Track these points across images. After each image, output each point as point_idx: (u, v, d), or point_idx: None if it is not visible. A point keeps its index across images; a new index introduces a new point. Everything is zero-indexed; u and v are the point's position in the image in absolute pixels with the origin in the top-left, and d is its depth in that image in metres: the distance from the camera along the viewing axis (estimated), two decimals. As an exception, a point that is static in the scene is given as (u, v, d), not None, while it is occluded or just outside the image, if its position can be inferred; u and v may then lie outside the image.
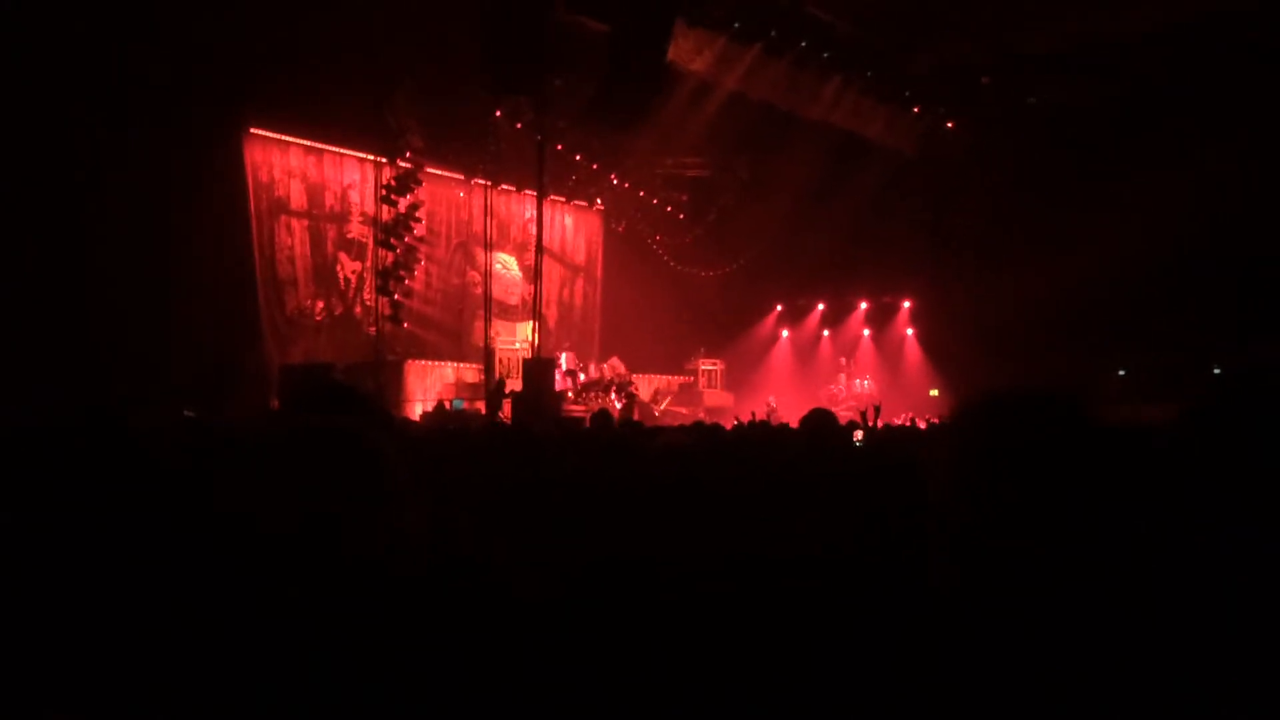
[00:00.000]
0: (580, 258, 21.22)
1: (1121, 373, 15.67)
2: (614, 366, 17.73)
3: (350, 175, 16.53)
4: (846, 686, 1.53)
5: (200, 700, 1.42)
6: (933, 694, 1.45)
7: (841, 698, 1.53)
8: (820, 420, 4.01)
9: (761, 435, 5.51)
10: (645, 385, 18.83)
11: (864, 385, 19.49)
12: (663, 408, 17.54)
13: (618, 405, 16.05)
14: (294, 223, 15.79)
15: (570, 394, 16.28)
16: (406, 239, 15.44)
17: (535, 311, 16.31)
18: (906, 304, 20.50)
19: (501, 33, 13.02)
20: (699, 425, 6.47)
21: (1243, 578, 1.53)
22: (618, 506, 3.03)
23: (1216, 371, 13.93)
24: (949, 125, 18.41)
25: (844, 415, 11.19)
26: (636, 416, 15.40)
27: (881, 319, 20.95)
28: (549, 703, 1.52)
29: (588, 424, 8.78)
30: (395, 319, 15.49)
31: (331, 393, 2.12)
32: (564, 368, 16.60)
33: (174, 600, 1.56)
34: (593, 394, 16.57)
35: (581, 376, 17.06)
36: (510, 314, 18.82)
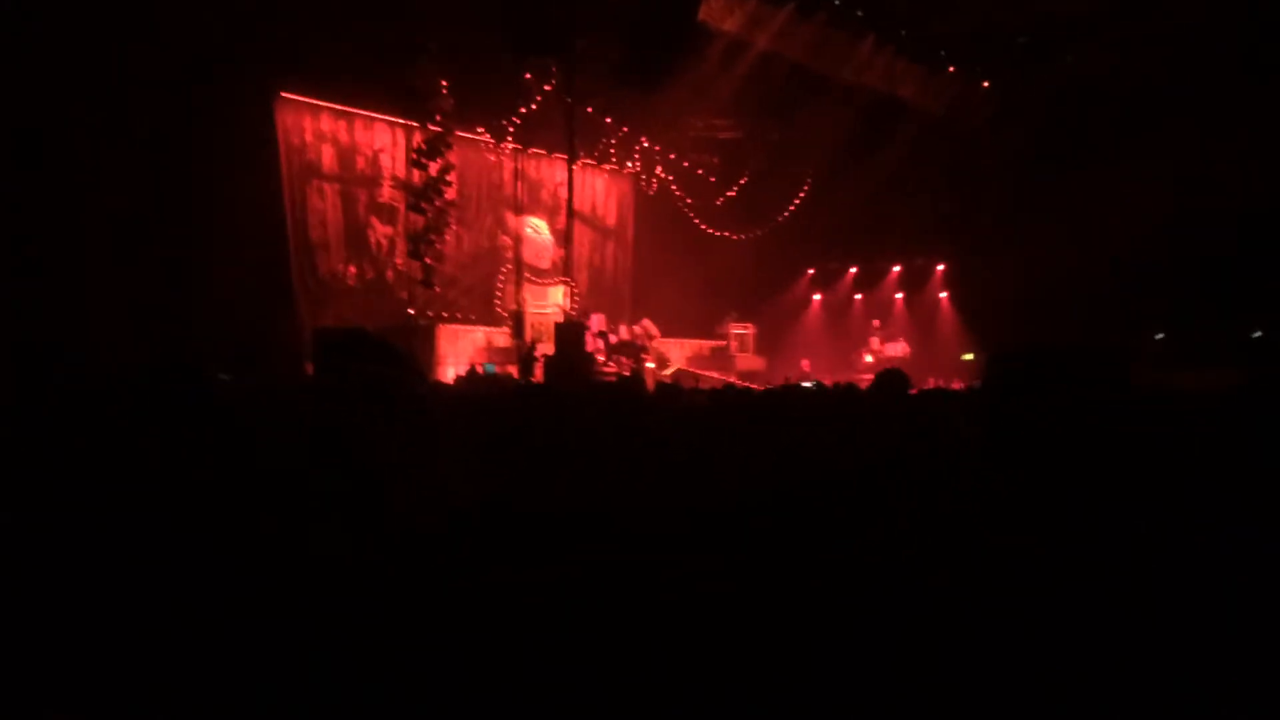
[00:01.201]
0: (611, 221, 21.15)
1: (1159, 337, 15.46)
2: (645, 328, 17.69)
3: (381, 139, 16.54)
4: (848, 684, 1.52)
5: (200, 700, 1.42)
6: (935, 690, 1.44)
7: (842, 695, 1.52)
8: (894, 380, 3.96)
9: (794, 401, 5.47)
10: (675, 350, 18.78)
11: (897, 348, 19.35)
12: (669, 372, 17.44)
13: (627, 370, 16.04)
14: (326, 186, 15.85)
15: (600, 356, 16.30)
16: (437, 203, 15.44)
17: (567, 271, 16.31)
18: (940, 267, 20.32)
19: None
20: (729, 389, 6.45)
21: (1243, 577, 1.51)
22: (626, 478, 3.01)
23: (1257, 335, 13.79)
24: (983, 86, 18.13)
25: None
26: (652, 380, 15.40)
27: (915, 282, 20.78)
28: (548, 701, 1.52)
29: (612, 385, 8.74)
30: (427, 283, 15.52)
31: (371, 351, 2.13)
32: (593, 329, 16.62)
33: (174, 595, 1.56)
34: (618, 357, 16.56)
35: (612, 338, 17.05)
36: (541, 277, 18.82)
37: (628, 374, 15.43)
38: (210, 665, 1.44)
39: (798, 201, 20.09)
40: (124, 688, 1.46)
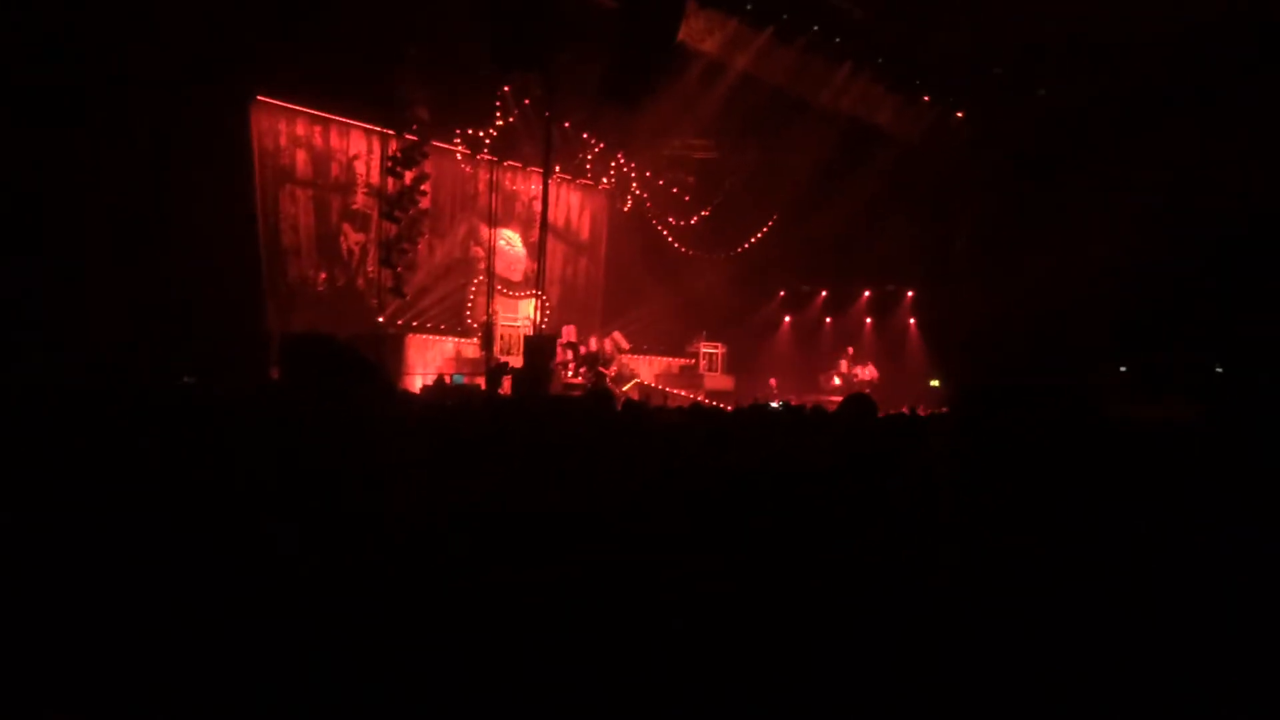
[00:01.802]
0: (585, 236, 21.15)
1: (1123, 369, 15.65)
2: (616, 340, 17.70)
3: (356, 146, 16.47)
4: (845, 684, 1.52)
5: (200, 700, 1.41)
6: (933, 692, 1.45)
7: (840, 695, 1.53)
8: (861, 407, 4.00)
9: (763, 420, 5.51)
10: (644, 367, 18.82)
11: (866, 371, 19.46)
12: (628, 387, 17.46)
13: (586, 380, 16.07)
14: (299, 192, 15.75)
15: (571, 366, 16.34)
16: (411, 212, 15.39)
17: (539, 285, 16.32)
18: (910, 293, 20.48)
19: (510, 8, 12.97)
20: (696, 407, 6.47)
21: (1243, 577, 1.54)
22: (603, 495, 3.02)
23: (1219, 370, 14.00)
24: (958, 115, 18.34)
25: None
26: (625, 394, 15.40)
27: (884, 308, 20.93)
28: (545, 701, 1.52)
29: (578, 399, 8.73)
30: (398, 291, 15.47)
31: (338, 361, 2.11)
32: (563, 340, 16.67)
33: (173, 594, 1.55)
34: (584, 369, 16.58)
35: (581, 350, 17.06)
36: (513, 290, 18.80)
37: (600, 391, 15.47)
38: (210, 665, 1.43)
39: (771, 224, 20.19)
40: (124, 687, 1.45)
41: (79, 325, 10.41)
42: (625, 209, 20.64)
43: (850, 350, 20.02)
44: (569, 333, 17.20)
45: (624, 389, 17.32)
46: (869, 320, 21.07)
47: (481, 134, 16.99)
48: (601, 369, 16.98)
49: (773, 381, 19.39)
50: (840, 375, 19.39)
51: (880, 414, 4.70)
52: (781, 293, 22.00)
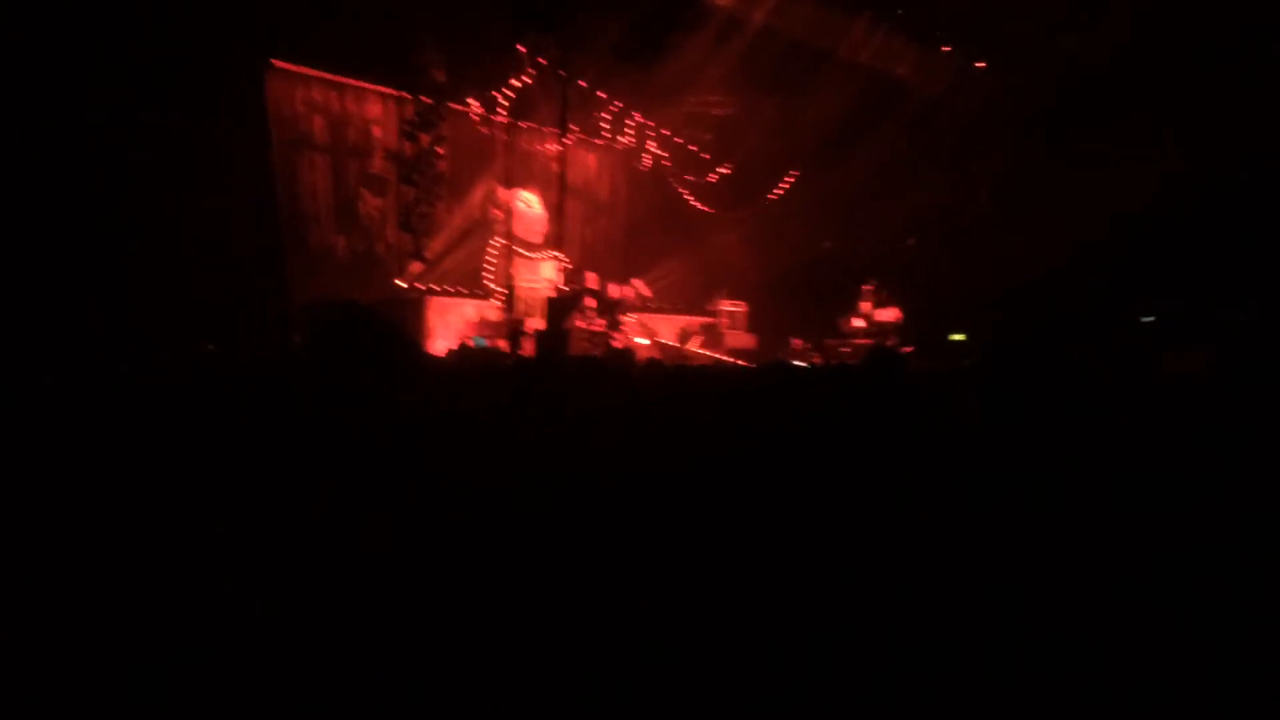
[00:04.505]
0: (603, 196, 21.07)
1: (1150, 319, 15.50)
2: (637, 288, 17.65)
3: (373, 110, 16.43)
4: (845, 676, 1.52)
5: (201, 699, 1.40)
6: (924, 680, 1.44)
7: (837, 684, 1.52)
8: (886, 359, 3.97)
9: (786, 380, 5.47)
10: (663, 326, 18.78)
11: (888, 314, 19.28)
12: (693, 345, 17.45)
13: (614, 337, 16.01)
14: (317, 158, 15.74)
15: (592, 315, 16.31)
16: (429, 175, 15.36)
17: (558, 246, 16.29)
18: (930, 245, 20.25)
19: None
20: (718, 365, 6.45)
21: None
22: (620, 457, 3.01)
23: (1243, 319, 13.84)
24: (978, 66, 18.09)
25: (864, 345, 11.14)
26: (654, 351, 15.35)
27: (905, 261, 20.71)
28: (548, 701, 1.51)
29: (602, 359, 8.73)
30: (418, 255, 15.49)
31: (362, 326, 2.11)
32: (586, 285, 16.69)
33: (177, 592, 1.54)
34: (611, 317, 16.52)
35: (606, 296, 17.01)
36: (533, 251, 18.76)
37: (615, 342, 15.46)
38: (212, 664, 1.43)
39: (791, 179, 20.03)
40: (131, 688, 1.44)
41: (94, 292, 10.46)
42: (643, 168, 20.52)
43: (869, 287, 19.67)
44: (591, 280, 17.15)
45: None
46: (892, 272, 20.86)
47: (498, 95, 16.89)
48: (621, 317, 16.93)
49: (796, 342, 19.28)
50: (861, 317, 19.21)
51: (907, 367, 4.66)
52: (804, 247, 21.82)
